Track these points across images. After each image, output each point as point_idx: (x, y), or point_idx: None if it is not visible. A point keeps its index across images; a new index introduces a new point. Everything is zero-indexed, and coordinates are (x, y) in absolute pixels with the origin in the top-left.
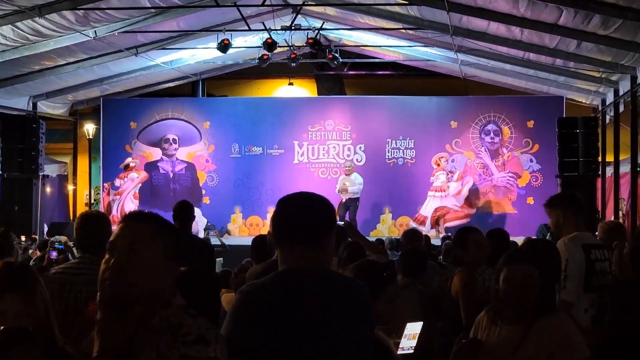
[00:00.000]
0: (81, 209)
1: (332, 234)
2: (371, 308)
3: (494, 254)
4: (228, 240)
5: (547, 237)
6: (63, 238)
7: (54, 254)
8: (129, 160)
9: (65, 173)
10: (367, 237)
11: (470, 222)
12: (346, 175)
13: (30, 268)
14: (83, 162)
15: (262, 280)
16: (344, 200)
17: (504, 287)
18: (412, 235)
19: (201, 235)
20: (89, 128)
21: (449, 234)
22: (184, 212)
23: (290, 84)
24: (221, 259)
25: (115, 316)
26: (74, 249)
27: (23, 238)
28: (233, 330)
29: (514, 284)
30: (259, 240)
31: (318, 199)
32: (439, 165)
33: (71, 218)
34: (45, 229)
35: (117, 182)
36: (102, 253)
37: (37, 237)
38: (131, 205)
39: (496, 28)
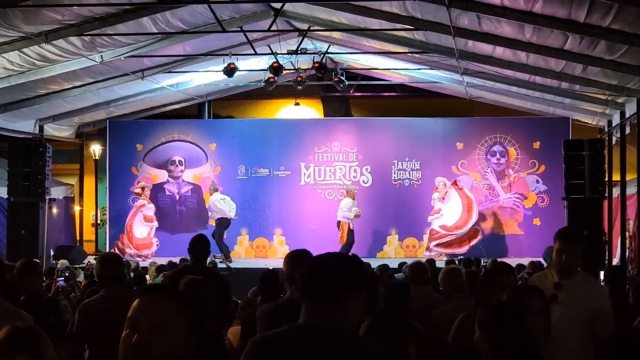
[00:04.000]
0: (87, 229)
1: (359, 294)
2: None
3: None
4: (234, 264)
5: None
6: (66, 262)
7: (61, 283)
8: (142, 184)
9: (72, 195)
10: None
11: (476, 244)
12: (353, 199)
13: (38, 331)
14: (89, 182)
15: (273, 333)
16: (352, 227)
17: None
18: (419, 268)
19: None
20: (95, 149)
21: (453, 259)
22: (200, 246)
23: (297, 104)
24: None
25: None
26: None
27: None
28: None
29: None
30: (269, 276)
31: (347, 257)
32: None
33: (77, 239)
34: (52, 252)
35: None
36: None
37: (37, 261)
38: (142, 227)
39: (502, 52)
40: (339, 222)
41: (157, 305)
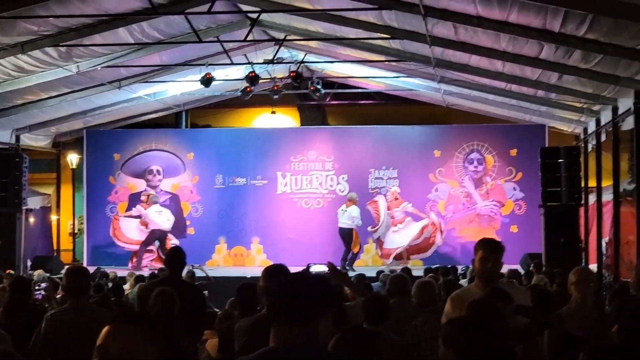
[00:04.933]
0: (65, 239)
1: (328, 313)
2: None
3: None
4: (212, 273)
5: (531, 268)
6: (43, 273)
7: (39, 296)
8: (148, 192)
9: (49, 204)
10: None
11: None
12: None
13: (14, 356)
14: (66, 192)
15: (249, 358)
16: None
17: None
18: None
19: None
20: (72, 158)
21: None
22: (176, 258)
23: (273, 112)
24: (206, 292)
25: None
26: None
27: None
28: None
29: None
30: (246, 289)
31: (314, 277)
32: (397, 199)
33: (55, 249)
34: (29, 263)
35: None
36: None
37: (12, 272)
38: (136, 233)
39: (478, 61)
40: (349, 230)
41: (126, 334)
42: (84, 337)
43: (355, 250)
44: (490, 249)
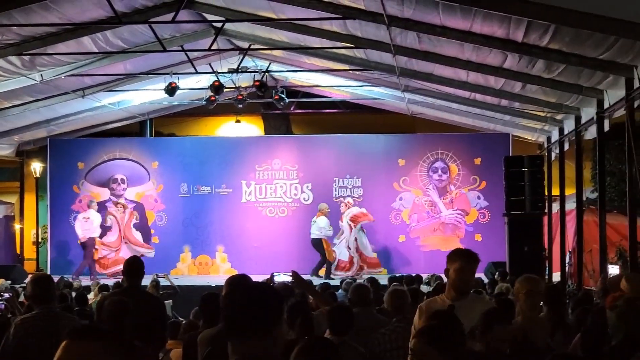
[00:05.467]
0: (28, 248)
1: (282, 321)
2: None
3: None
4: (177, 282)
5: (496, 276)
6: (5, 283)
7: (2, 306)
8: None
9: (12, 214)
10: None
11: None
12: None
13: None
14: (30, 200)
15: None
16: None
17: None
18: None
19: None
20: (36, 167)
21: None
22: (134, 269)
23: (238, 121)
24: (170, 301)
25: None
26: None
27: None
28: None
29: None
30: (209, 299)
31: (269, 289)
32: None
33: (18, 258)
34: None
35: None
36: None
37: None
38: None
39: (442, 70)
40: (319, 240)
41: (81, 349)
42: (54, 343)
43: (331, 259)
44: (468, 260)
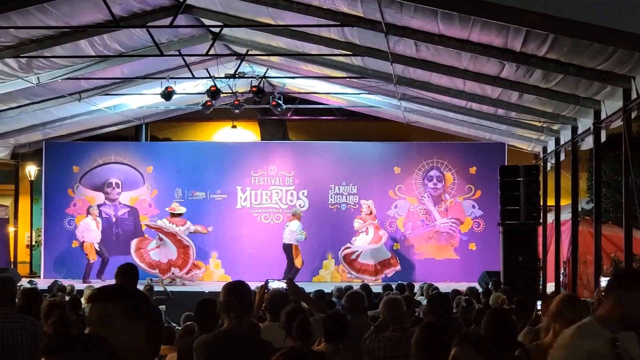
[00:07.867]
0: (22, 251)
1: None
2: None
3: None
4: (171, 288)
5: (489, 286)
6: None
7: None
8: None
9: (6, 216)
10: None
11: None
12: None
13: None
14: (24, 203)
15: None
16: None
17: None
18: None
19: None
20: (31, 170)
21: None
22: (128, 274)
23: (234, 126)
24: (164, 306)
25: None
26: None
27: None
28: None
29: None
30: (205, 305)
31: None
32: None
33: (12, 261)
34: None
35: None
36: None
37: None
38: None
39: (439, 79)
40: (289, 245)
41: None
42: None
43: (298, 265)
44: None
